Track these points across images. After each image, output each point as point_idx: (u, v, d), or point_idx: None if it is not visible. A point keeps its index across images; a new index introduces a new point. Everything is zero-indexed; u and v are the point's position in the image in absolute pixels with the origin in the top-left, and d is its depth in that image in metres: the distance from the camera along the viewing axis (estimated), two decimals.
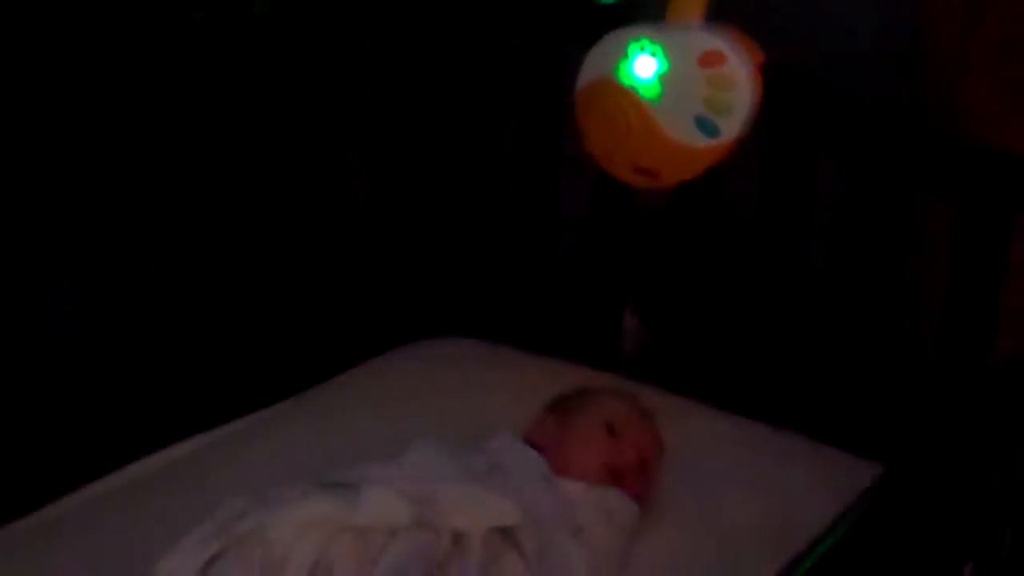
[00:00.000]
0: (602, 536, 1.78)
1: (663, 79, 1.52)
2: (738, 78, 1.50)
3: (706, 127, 1.52)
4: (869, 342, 2.20)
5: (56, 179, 2.13)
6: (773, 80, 1.54)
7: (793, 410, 2.23)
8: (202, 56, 2.27)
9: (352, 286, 2.55)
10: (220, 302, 2.37)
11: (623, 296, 2.44)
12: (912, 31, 2.18)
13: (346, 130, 2.48)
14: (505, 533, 1.69)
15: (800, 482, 1.96)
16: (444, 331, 2.49)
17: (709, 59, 1.50)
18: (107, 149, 2.18)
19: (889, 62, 2.21)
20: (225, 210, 2.35)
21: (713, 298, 2.35)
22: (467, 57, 2.50)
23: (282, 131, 2.40)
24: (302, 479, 1.75)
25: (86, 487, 2.00)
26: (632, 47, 1.54)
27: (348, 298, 2.54)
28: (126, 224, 2.24)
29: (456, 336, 2.47)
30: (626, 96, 1.55)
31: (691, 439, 2.01)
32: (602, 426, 1.88)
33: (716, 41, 1.51)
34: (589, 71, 1.61)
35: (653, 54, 1.52)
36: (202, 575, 1.63)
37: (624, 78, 1.55)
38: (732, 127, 1.52)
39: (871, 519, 1.33)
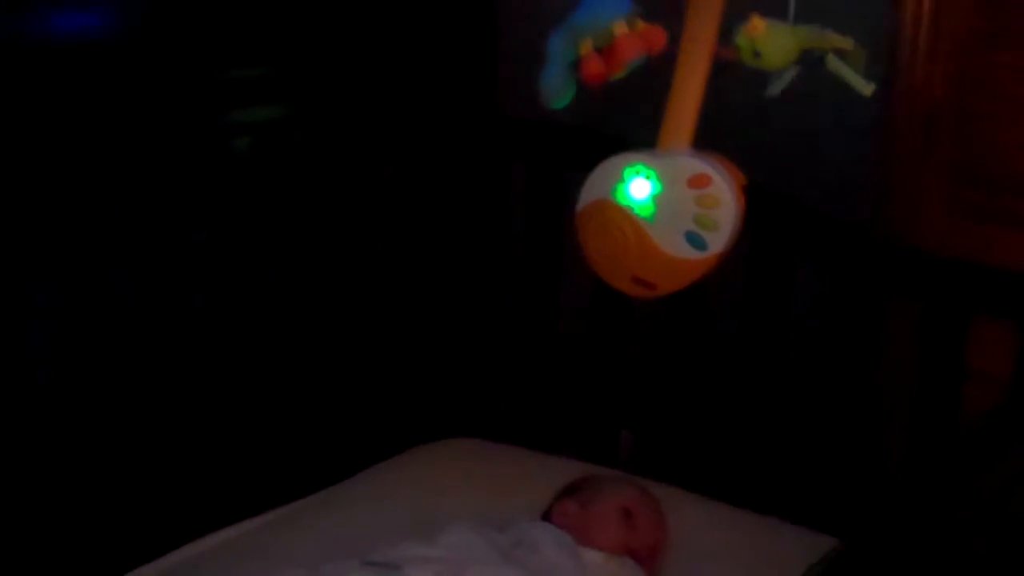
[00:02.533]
0: None
1: (656, 199, 1.54)
2: (723, 198, 1.52)
3: (696, 242, 1.54)
4: (840, 428, 2.25)
5: (121, 269, 2.16)
6: (754, 199, 1.56)
7: (764, 491, 2.29)
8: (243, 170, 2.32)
9: (369, 395, 2.58)
10: (256, 408, 2.39)
11: (618, 413, 2.49)
12: (878, 159, 2.25)
13: (365, 251, 2.52)
14: None
15: (769, 557, 2.03)
16: (451, 434, 2.53)
17: (697, 181, 1.52)
18: (160, 244, 2.22)
19: (851, 185, 2.28)
20: (261, 324, 2.39)
21: (699, 399, 2.40)
22: (476, 183, 2.58)
23: (305, 248, 2.44)
24: (348, 557, 1.80)
25: (141, 568, 2.04)
26: (628, 171, 1.56)
27: (364, 405, 2.58)
28: (181, 332, 2.27)
29: (464, 437, 2.52)
30: (623, 215, 1.56)
31: (681, 523, 2.08)
32: (621, 511, 1.94)
33: (703, 165, 1.53)
34: (589, 193, 1.61)
35: (647, 177, 1.54)
36: None
37: (621, 199, 1.56)
38: (719, 241, 1.53)
39: None
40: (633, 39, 1.51)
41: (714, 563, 2.02)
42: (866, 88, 1.47)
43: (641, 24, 1.53)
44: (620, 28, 1.52)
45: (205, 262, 2.28)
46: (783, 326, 2.27)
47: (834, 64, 1.46)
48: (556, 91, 1.60)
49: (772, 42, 1.45)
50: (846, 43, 1.49)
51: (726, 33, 1.51)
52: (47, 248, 2.07)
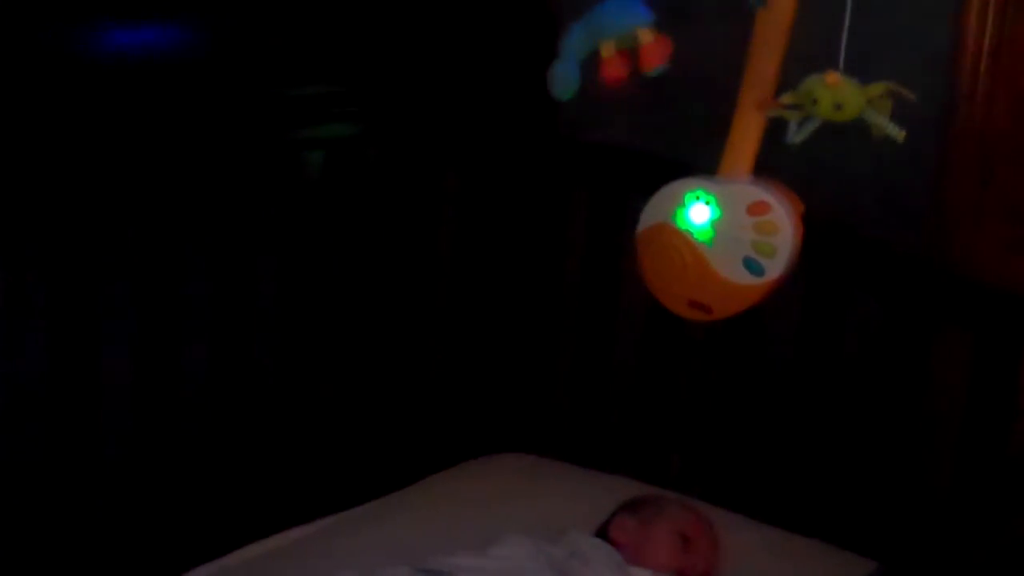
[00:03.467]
0: None
1: (715, 225, 1.55)
2: (781, 225, 1.52)
3: (753, 267, 1.54)
4: (888, 454, 2.24)
5: (196, 279, 2.19)
6: (811, 227, 1.56)
7: (810, 514, 2.28)
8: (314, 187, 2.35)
9: (429, 408, 2.60)
10: (321, 418, 2.42)
11: (670, 434, 2.49)
12: (933, 191, 2.25)
13: (428, 268, 2.55)
14: None
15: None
16: (506, 448, 2.55)
17: (756, 208, 1.53)
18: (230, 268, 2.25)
19: (898, 216, 2.28)
20: (330, 336, 2.41)
21: (749, 422, 2.40)
22: (537, 203, 2.59)
23: (371, 264, 2.47)
24: (401, 563, 1.82)
25: (193, 571, 2.08)
26: (688, 196, 1.57)
27: (424, 417, 2.60)
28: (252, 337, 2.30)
29: (519, 452, 2.54)
30: (682, 239, 1.57)
31: (727, 544, 2.09)
32: (677, 535, 1.96)
33: (762, 193, 1.54)
34: (649, 216, 1.62)
35: (707, 203, 1.55)
36: None
37: (681, 223, 1.57)
38: (775, 268, 1.54)
39: None
40: (659, 47, 1.53)
41: None
42: (899, 135, 1.48)
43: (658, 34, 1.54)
44: (647, 35, 1.53)
45: (276, 274, 2.31)
46: (835, 352, 2.27)
47: (869, 113, 1.47)
48: (565, 84, 1.61)
49: (849, 95, 1.46)
50: (897, 89, 1.49)
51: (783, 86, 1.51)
52: (121, 261, 2.10)
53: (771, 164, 1.58)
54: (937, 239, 2.28)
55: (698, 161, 1.63)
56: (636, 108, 2.56)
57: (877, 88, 1.47)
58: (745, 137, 1.58)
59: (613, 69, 1.56)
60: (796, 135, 1.51)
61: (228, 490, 2.28)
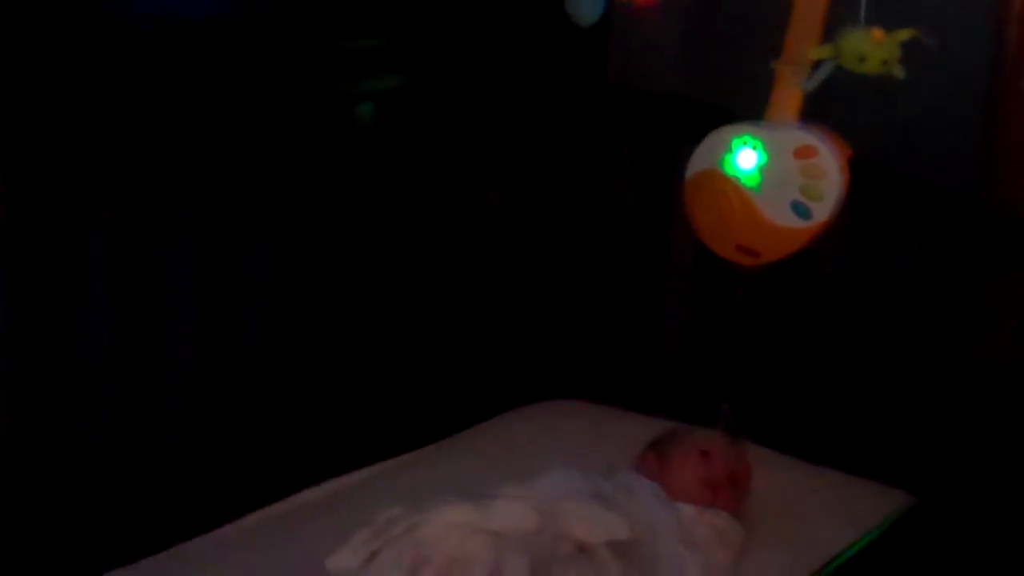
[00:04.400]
0: (714, 552, 1.88)
1: (763, 170, 1.55)
2: (828, 168, 1.53)
3: (800, 211, 1.55)
4: (942, 399, 2.25)
5: (252, 234, 2.22)
6: (858, 171, 1.57)
7: (857, 452, 2.30)
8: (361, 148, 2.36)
9: (481, 356, 2.63)
10: (366, 370, 2.44)
11: (719, 380, 2.50)
12: (984, 131, 2.25)
13: (478, 216, 2.56)
14: (621, 546, 1.79)
15: (861, 515, 2.03)
16: (556, 395, 2.58)
17: (803, 152, 1.53)
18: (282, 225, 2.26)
19: (957, 158, 2.27)
20: (373, 294, 2.42)
21: (799, 367, 2.41)
22: (587, 150, 2.60)
23: (423, 213, 2.48)
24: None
25: (259, 511, 2.13)
26: (736, 142, 1.57)
27: (476, 365, 2.63)
28: (306, 293, 2.33)
29: (569, 399, 2.57)
30: (730, 184, 1.57)
31: (776, 484, 2.12)
32: (696, 451, 1.99)
33: (809, 137, 1.54)
34: (697, 163, 1.62)
35: (754, 148, 1.55)
36: (363, 569, 1.77)
37: (728, 169, 1.57)
38: (823, 211, 1.54)
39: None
40: None
41: (808, 522, 2.05)
42: (902, 74, 1.49)
43: None
44: None
45: (328, 228, 2.33)
46: (883, 296, 2.27)
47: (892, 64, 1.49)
48: (588, 8, 1.61)
49: (893, 49, 1.48)
50: (923, 37, 1.50)
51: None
52: (176, 213, 2.13)
53: (819, 112, 1.58)
54: (987, 181, 2.26)
55: (745, 107, 1.63)
56: (684, 55, 2.58)
57: (904, 34, 1.48)
58: (791, 82, 1.58)
59: None
60: (809, 82, 1.53)
61: (284, 437, 2.32)
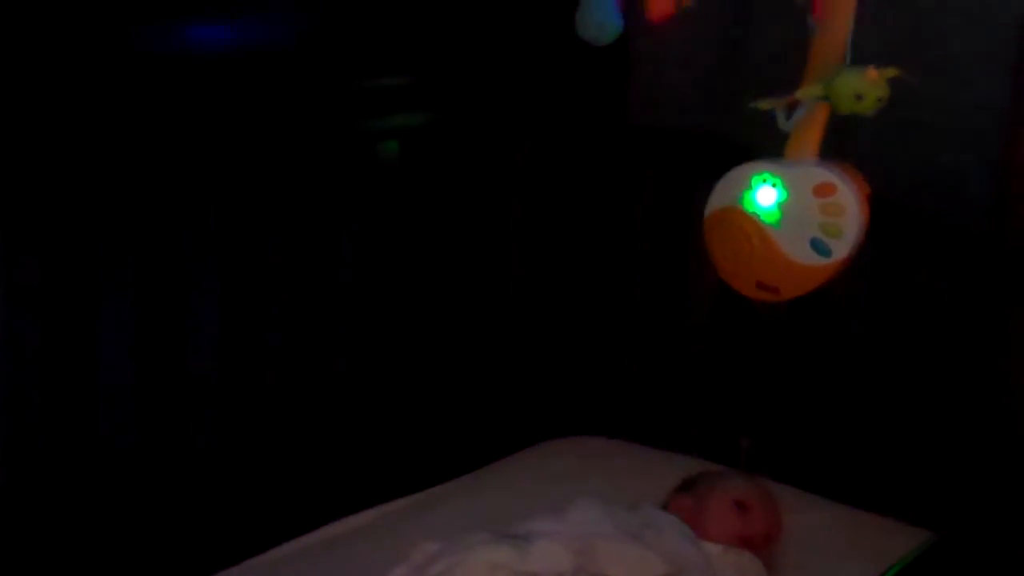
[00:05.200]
0: None
1: (782, 207, 1.55)
2: (848, 206, 1.52)
3: (820, 248, 1.54)
4: (958, 430, 2.23)
5: (275, 260, 2.22)
6: (878, 208, 1.56)
7: (879, 492, 2.29)
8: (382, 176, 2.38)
9: (501, 392, 2.63)
10: (391, 406, 2.45)
11: (739, 415, 2.49)
12: (1001, 170, 2.24)
13: (501, 253, 2.57)
14: None
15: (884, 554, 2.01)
16: (578, 431, 2.58)
17: (823, 189, 1.53)
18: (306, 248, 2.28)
19: (974, 195, 2.27)
20: (398, 331, 2.43)
21: (819, 401, 2.40)
22: (607, 188, 2.60)
23: (447, 250, 2.49)
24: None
25: (287, 543, 2.14)
26: (755, 179, 1.57)
27: (496, 401, 2.63)
28: (330, 316, 2.33)
29: (590, 435, 2.56)
30: (750, 221, 1.57)
31: (798, 523, 2.10)
32: (733, 503, 1.97)
33: (828, 174, 1.54)
34: (717, 199, 1.62)
35: (774, 185, 1.55)
36: None
37: (748, 205, 1.57)
38: (842, 248, 1.54)
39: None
40: None
41: (829, 561, 2.05)
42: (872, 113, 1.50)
43: None
44: None
45: (353, 265, 2.34)
46: (904, 331, 2.26)
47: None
48: (604, 27, 1.60)
49: (884, 87, 1.49)
50: (905, 76, 1.52)
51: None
52: (202, 250, 2.14)
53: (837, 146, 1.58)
54: (1004, 218, 2.25)
55: (765, 145, 1.62)
56: (704, 92, 2.58)
57: (891, 72, 1.49)
58: (811, 119, 1.58)
59: (661, 4, 1.56)
60: (788, 123, 1.53)
61: (311, 471, 2.32)
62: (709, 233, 1.65)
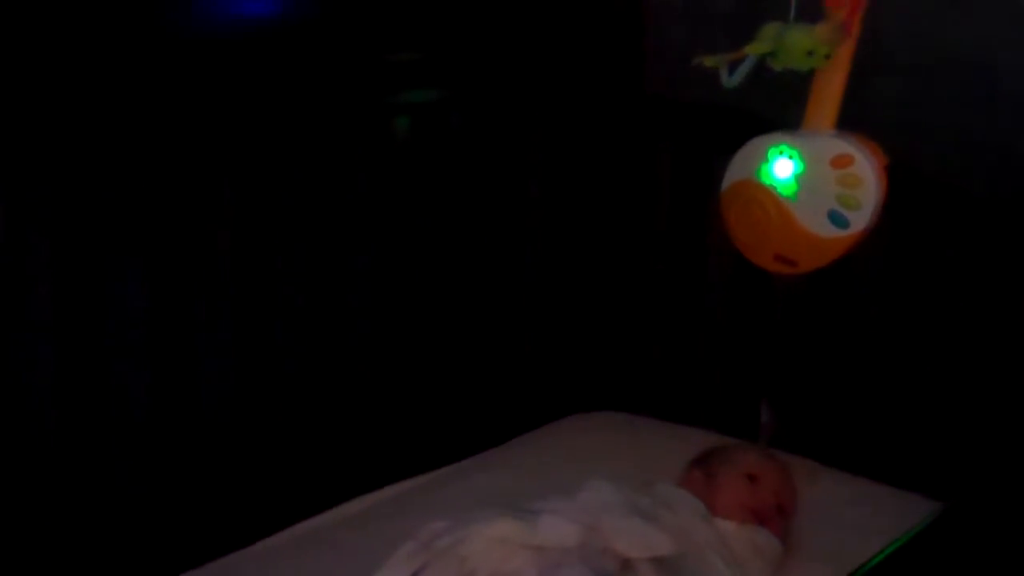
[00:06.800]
0: (753, 568, 1.86)
1: (799, 179, 1.55)
2: (865, 177, 1.52)
3: (837, 220, 1.54)
4: (982, 404, 2.23)
5: (288, 237, 2.21)
6: (896, 179, 1.56)
7: (897, 465, 2.28)
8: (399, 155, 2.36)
9: (523, 368, 2.62)
10: (406, 384, 2.43)
11: (760, 389, 2.47)
12: None
13: (517, 229, 2.55)
14: (664, 562, 1.77)
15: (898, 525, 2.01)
16: (598, 407, 2.58)
17: (840, 161, 1.53)
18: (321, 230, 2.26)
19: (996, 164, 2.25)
20: (411, 308, 2.42)
21: (838, 374, 2.40)
22: (625, 161, 2.59)
23: (462, 227, 2.47)
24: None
25: (300, 523, 2.14)
26: (772, 151, 1.57)
27: (519, 378, 2.62)
28: (347, 295, 2.31)
29: (611, 411, 2.56)
30: (767, 194, 1.57)
31: (817, 495, 2.10)
32: (743, 475, 1.97)
33: (846, 145, 1.54)
34: (734, 172, 1.62)
35: (790, 157, 1.55)
36: None
37: (765, 178, 1.57)
38: (860, 220, 1.54)
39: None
40: None
41: (849, 535, 2.02)
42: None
43: None
44: None
45: (366, 240, 2.33)
46: (922, 304, 2.25)
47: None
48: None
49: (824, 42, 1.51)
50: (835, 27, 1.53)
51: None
52: (214, 224, 2.13)
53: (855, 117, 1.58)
54: None
55: (782, 116, 1.62)
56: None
57: (836, 29, 1.52)
58: (827, 90, 1.57)
59: None
60: (732, 79, 1.53)
61: (323, 450, 2.32)
62: (727, 206, 1.65)
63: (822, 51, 1.51)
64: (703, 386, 2.59)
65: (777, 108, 1.66)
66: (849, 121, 1.58)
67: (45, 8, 1.86)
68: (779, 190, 1.57)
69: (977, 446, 2.23)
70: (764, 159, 1.59)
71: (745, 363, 2.51)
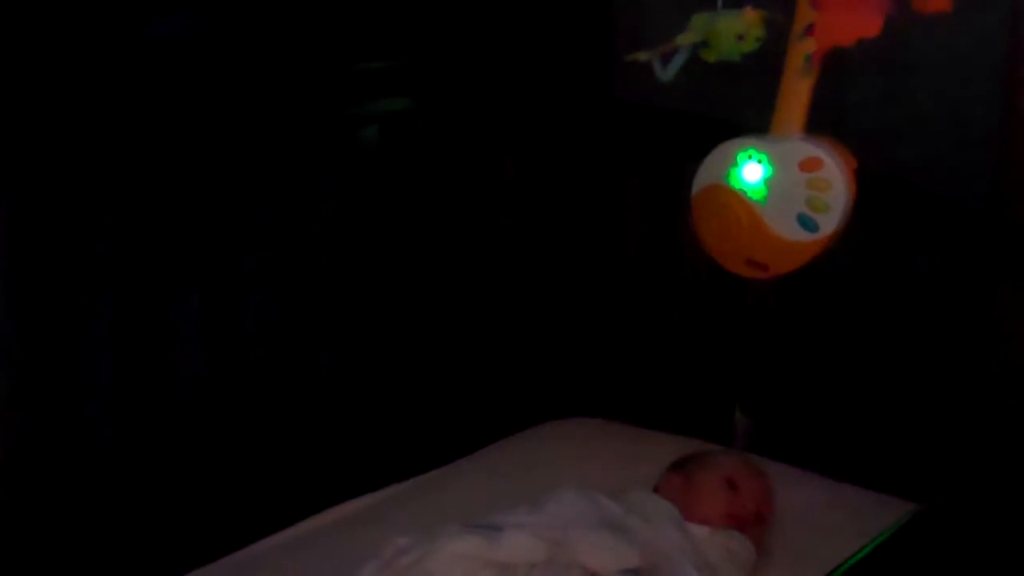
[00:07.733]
0: (726, 572, 1.86)
1: (768, 183, 1.55)
2: (834, 180, 1.52)
3: (807, 224, 1.54)
4: (950, 405, 2.24)
5: (256, 251, 2.21)
6: (865, 182, 1.55)
7: (871, 468, 2.28)
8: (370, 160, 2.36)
9: (491, 376, 2.62)
10: (378, 392, 2.44)
11: (734, 394, 2.49)
12: (1000, 148, 2.23)
13: (488, 236, 2.56)
14: (632, 574, 1.77)
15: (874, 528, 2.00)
16: (570, 413, 2.57)
17: (808, 164, 1.53)
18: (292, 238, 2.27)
19: (967, 168, 2.26)
20: (383, 316, 2.42)
21: (812, 377, 2.40)
22: (593, 167, 2.59)
23: (432, 234, 2.47)
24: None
25: (270, 536, 2.13)
26: (741, 156, 1.56)
27: (487, 385, 2.61)
28: (317, 312, 2.32)
29: (583, 417, 2.55)
30: (736, 198, 1.57)
31: (794, 500, 2.10)
32: (723, 481, 1.96)
33: (814, 149, 1.53)
34: (703, 177, 1.61)
35: (759, 161, 1.55)
36: None
37: (734, 182, 1.57)
38: (829, 223, 1.53)
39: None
40: None
41: (823, 539, 2.02)
42: (739, 58, 1.51)
43: None
44: None
45: (335, 246, 2.32)
46: (893, 306, 2.25)
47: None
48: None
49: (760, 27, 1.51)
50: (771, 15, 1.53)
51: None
52: (183, 236, 2.12)
53: (823, 121, 1.58)
54: (999, 191, 2.24)
55: (750, 121, 1.62)
56: (689, 69, 2.57)
57: (763, 13, 1.52)
58: (796, 94, 1.57)
59: None
60: (666, 72, 1.53)
61: (296, 460, 2.32)
62: (697, 212, 1.64)
63: (753, 34, 1.51)
64: (677, 391, 2.59)
65: (747, 112, 1.66)
66: (818, 124, 1.58)
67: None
68: (748, 194, 1.57)
69: (951, 448, 2.23)
70: (733, 163, 1.58)
71: (719, 368, 2.51)
